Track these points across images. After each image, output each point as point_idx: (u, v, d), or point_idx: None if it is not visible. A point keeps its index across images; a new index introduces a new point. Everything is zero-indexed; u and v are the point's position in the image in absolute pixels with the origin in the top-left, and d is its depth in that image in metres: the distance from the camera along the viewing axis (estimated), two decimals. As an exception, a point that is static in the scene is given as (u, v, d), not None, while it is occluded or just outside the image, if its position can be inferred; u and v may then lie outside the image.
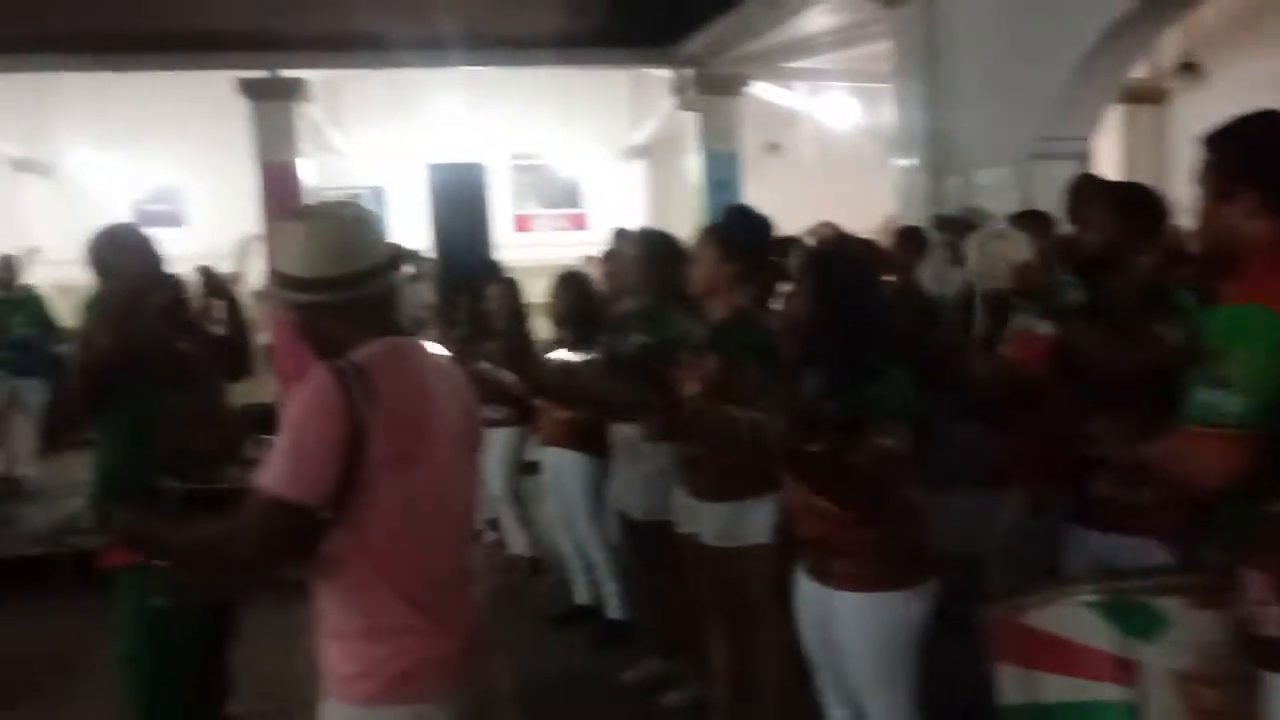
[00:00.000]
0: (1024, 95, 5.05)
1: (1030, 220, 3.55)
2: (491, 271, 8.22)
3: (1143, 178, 5.21)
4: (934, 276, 4.90)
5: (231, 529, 1.76)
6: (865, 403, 2.34)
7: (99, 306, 3.05)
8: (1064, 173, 4.81)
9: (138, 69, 7.95)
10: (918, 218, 5.59)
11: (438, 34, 7.49)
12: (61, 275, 11.53)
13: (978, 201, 5.10)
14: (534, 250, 12.04)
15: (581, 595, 4.73)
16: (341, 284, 1.82)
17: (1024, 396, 3.24)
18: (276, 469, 1.71)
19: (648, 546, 3.87)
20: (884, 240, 5.61)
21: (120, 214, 12.37)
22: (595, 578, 4.58)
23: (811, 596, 2.59)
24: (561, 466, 4.46)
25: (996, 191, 5.10)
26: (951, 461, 3.35)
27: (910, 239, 4.82)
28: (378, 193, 13.26)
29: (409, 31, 7.55)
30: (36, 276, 10.79)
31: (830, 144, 12.00)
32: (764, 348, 2.88)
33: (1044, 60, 4.91)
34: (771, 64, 8.54)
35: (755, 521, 3.03)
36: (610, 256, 5.65)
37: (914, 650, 2.49)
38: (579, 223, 13.87)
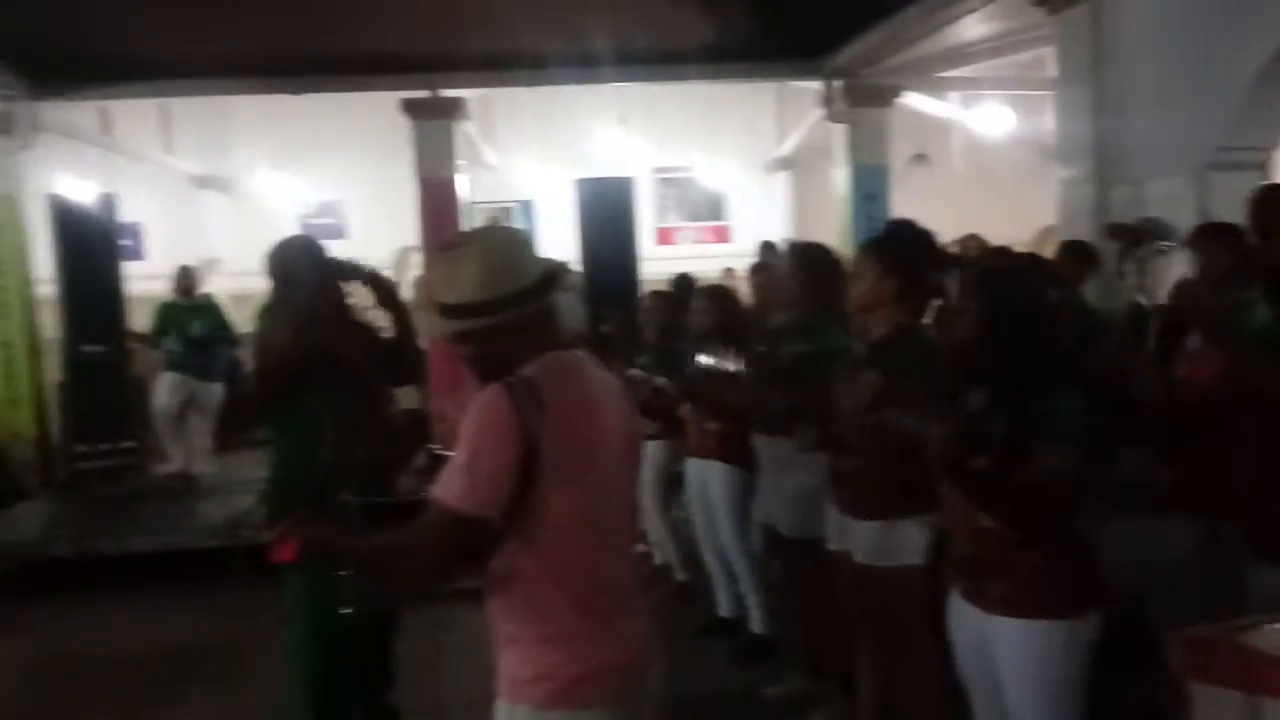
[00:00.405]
0: (1200, 103, 4.78)
1: (1212, 234, 3.35)
2: (636, 285, 8.38)
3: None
4: (1102, 290, 4.69)
5: (409, 541, 1.82)
6: (1033, 420, 2.26)
7: (279, 313, 3.23)
8: (1244, 184, 4.56)
9: (310, 91, 8.41)
10: (1082, 231, 5.37)
11: (589, 51, 7.65)
12: (237, 285, 12.36)
13: (1148, 214, 4.86)
14: (676, 264, 12.12)
15: (725, 608, 4.73)
16: (506, 305, 1.87)
17: (1199, 420, 3.09)
18: (454, 484, 1.78)
19: (796, 562, 3.85)
20: (1042, 254, 5.43)
21: (289, 227, 13.19)
22: (739, 590, 4.57)
23: (968, 620, 2.51)
24: (707, 477, 4.48)
25: (1168, 203, 4.83)
26: (1121, 486, 3.20)
27: (1076, 253, 4.64)
28: (527, 206, 13.64)
29: (562, 49, 7.73)
30: (214, 286, 11.60)
31: (980, 154, 11.66)
32: (925, 365, 2.83)
33: (1222, 67, 4.64)
34: (924, 74, 8.35)
35: (909, 541, 2.97)
36: (757, 269, 5.63)
37: (1077, 683, 2.38)
38: (722, 235, 13.88)
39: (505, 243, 1.97)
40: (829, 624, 3.58)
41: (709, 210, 13.95)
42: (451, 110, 8.22)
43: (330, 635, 3.22)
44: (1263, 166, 4.80)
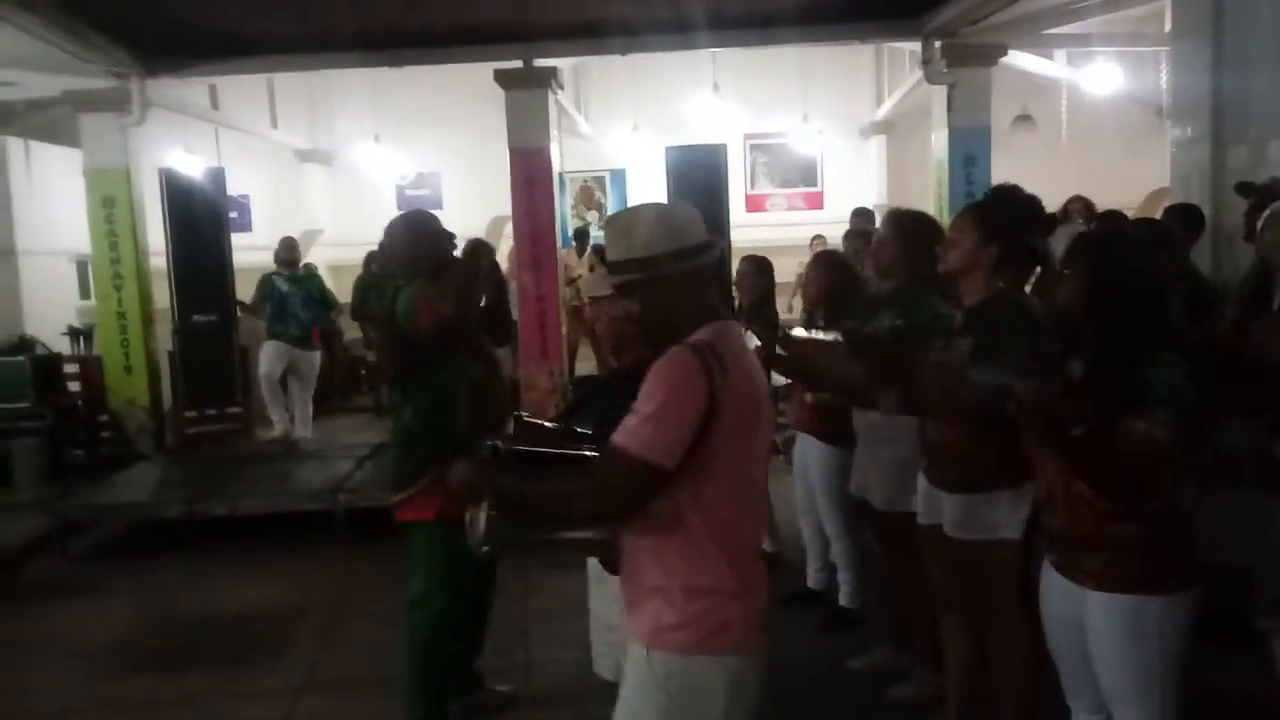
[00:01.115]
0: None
1: None
2: (727, 253, 8.32)
3: None
4: (1222, 252, 4.46)
5: (593, 484, 1.95)
6: (1130, 389, 2.17)
7: (419, 283, 3.32)
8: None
9: (407, 64, 8.52)
10: (1195, 193, 5.11)
11: (682, 17, 7.57)
12: (337, 255, 12.74)
13: (1269, 175, 4.59)
14: (766, 230, 12.00)
15: (814, 580, 4.69)
16: (673, 259, 1.97)
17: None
18: (641, 433, 1.88)
19: (889, 536, 3.79)
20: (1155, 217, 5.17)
21: (387, 199, 13.51)
22: (831, 563, 4.53)
23: (1061, 594, 2.44)
24: (806, 451, 4.44)
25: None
26: (1228, 460, 3.05)
27: (1186, 217, 4.42)
28: (619, 175, 13.66)
29: (654, 15, 7.67)
30: (315, 256, 11.95)
31: (1087, 115, 11.20)
32: (1022, 332, 2.74)
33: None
34: (1030, 31, 8.02)
35: (1000, 515, 2.89)
36: (850, 236, 5.51)
37: (1173, 660, 2.30)
38: (814, 202, 13.67)
39: (672, 209, 2.10)
40: (918, 598, 3.52)
41: (801, 176, 13.76)
42: (544, 80, 8.22)
43: (454, 589, 3.41)
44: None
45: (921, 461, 3.17)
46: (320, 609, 5.09)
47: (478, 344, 3.56)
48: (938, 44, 7.94)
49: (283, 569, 5.73)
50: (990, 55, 8.00)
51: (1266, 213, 3.48)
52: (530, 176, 8.29)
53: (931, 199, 8.44)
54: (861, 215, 7.43)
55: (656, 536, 1.99)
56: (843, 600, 4.43)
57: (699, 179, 8.32)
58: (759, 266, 4.99)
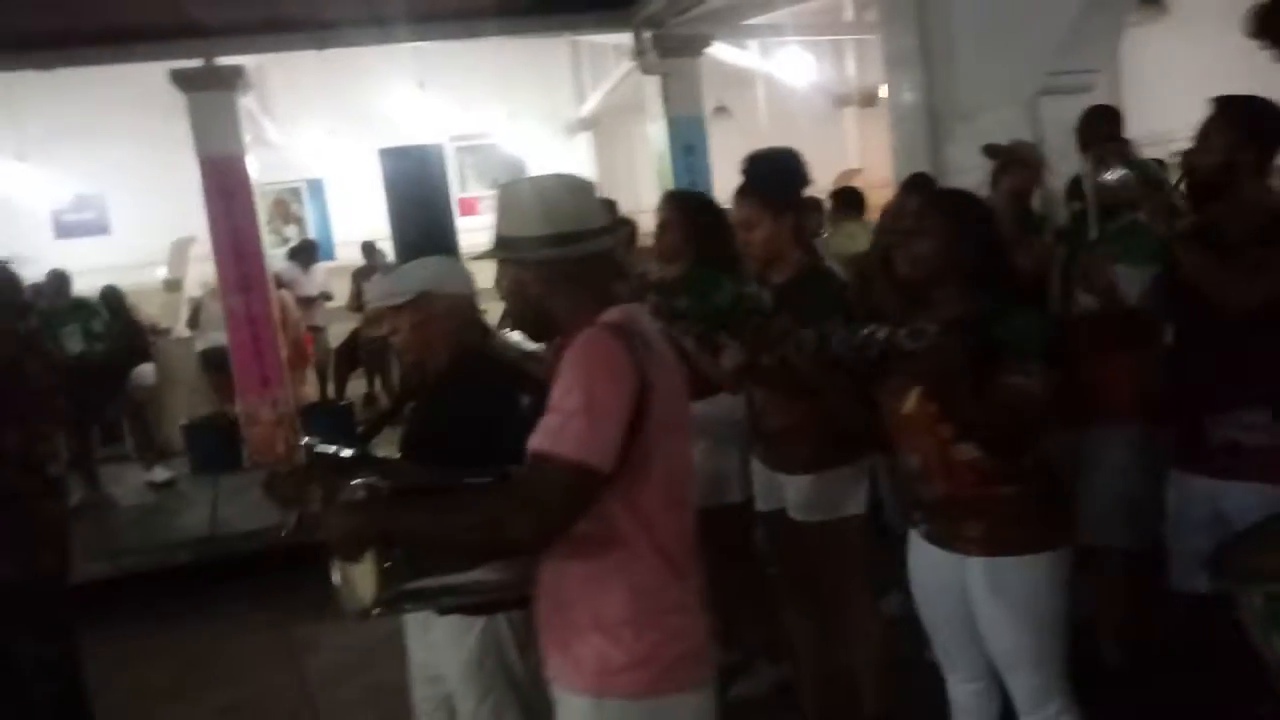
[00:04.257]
0: (1026, 35, 4.87)
1: None
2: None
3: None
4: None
5: (522, 501, 1.59)
6: (1001, 343, 2.14)
7: None
8: (1074, 108, 4.67)
9: (61, 66, 7.35)
10: (920, 164, 5.41)
11: (375, 10, 7.09)
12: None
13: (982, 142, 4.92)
14: (481, 234, 11.62)
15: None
16: (578, 238, 1.76)
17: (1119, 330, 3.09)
18: (569, 432, 1.59)
19: (710, 531, 3.64)
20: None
21: (41, 225, 11.78)
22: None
23: (938, 565, 2.38)
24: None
25: (1002, 132, 4.91)
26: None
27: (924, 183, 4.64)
28: (317, 185, 12.76)
29: (348, 8, 7.13)
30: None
31: (782, 103, 11.81)
32: (840, 303, 2.69)
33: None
34: (732, 21, 8.28)
35: (846, 491, 2.84)
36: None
37: (1062, 617, 2.30)
38: (527, 202, 13.51)
39: (572, 182, 1.86)
40: (739, 589, 3.42)
41: (510, 177, 13.52)
42: (230, 80, 7.41)
43: None
44: (1090, 89, 4.94)
45: (754, 448, 3.05)
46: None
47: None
48: (647, 35, 8.00)
49: None
50: (697, 46, 8.18)
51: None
52: (225, 187, 7.46)
53: (655, 189, 8.49)
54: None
55: (587, 558, 1.69)
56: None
57: (417, 182, 7.88)
58: None
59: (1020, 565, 2.25)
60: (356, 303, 9.61)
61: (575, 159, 13.42)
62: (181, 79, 7.27)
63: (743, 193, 2.96)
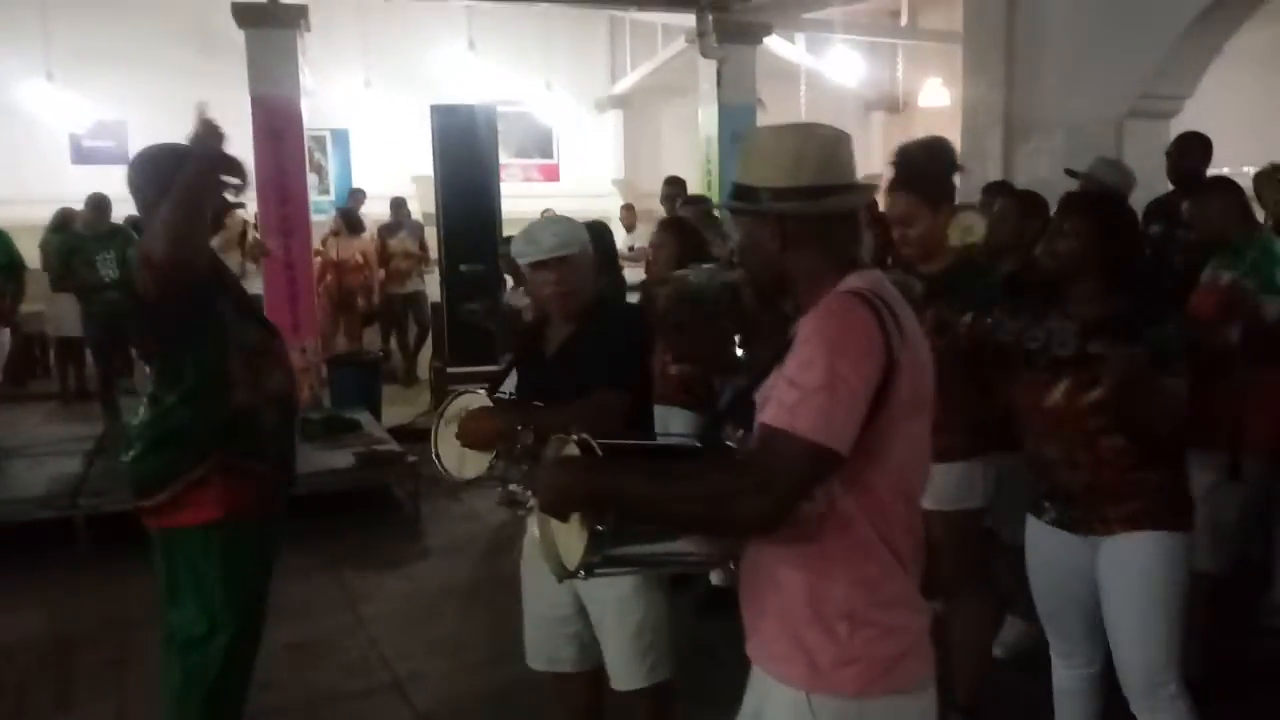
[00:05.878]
0: (1119, 55, 4.94)
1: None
2: (497, 225, 7.89)
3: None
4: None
5: (750, 479, 1.49)
6: (1155, 344, 2.23)
7: None
8: (1158, 132, 4.76)
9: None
10: (992, 174, 5.47)
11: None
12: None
13: (1064, 162, 4.99)
14: (506, 201, 11.57)
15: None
16: (825, 193, 1.62)
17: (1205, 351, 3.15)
18: (810, 409, 1.46)
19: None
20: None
21: (60, 149, 11.57)
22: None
23: (1065, 550, 2.47)
24: (669, 423, 4.23)
25: (1082, 148, 4.99)
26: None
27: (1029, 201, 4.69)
28: (341, 136, 12.63)
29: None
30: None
31: (814, 101, 11.84)
32: (995, 290, 2.75)
33: (1144, 22, 4.80)
34: (793, 13, 8.30)
35: (973, 484, 2.89)
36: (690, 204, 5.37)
37: (1185, 594, 2.42)
38: (550, 173, 13.45)
39: (832, 131, 1.70)
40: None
41: (538, 147, 13.45)
42: (293, 19, 7.32)
43: (244, 612, 2.69)
44: (1176, 114, 5.04)
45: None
46: (95, 639, 4.16)
47: (245, 301, 2.92)
48: (711, 18, 8.00)
49: (19, 595, 4.65)
50: (757, 34, 8.20)
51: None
52: (275, 128, 7.37)
53: (699, 175, 8.52)
54: (673, 184, 7.19)
55: (808, 541, 1.56)
56: (715, 580, 4.30)
57: (467, 141, 7.87)
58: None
59: (1156, 540, 2.36)
60: (381, 257, 9.58)
61: (603, 136, 13.41)
62: (242, 13, 7.18)
63: (898, 186, 2.91)
